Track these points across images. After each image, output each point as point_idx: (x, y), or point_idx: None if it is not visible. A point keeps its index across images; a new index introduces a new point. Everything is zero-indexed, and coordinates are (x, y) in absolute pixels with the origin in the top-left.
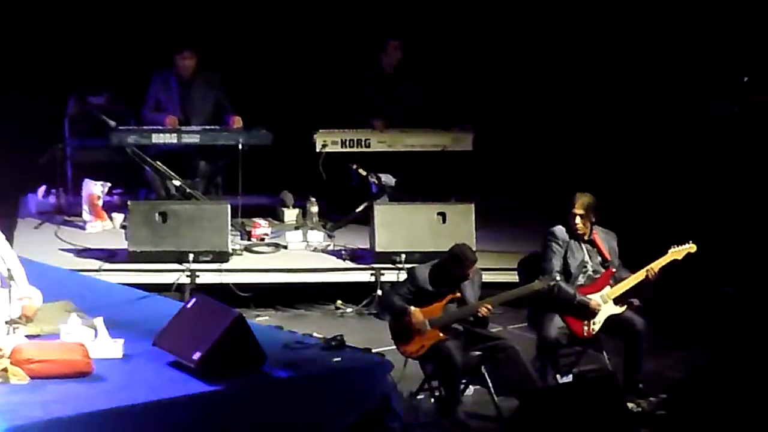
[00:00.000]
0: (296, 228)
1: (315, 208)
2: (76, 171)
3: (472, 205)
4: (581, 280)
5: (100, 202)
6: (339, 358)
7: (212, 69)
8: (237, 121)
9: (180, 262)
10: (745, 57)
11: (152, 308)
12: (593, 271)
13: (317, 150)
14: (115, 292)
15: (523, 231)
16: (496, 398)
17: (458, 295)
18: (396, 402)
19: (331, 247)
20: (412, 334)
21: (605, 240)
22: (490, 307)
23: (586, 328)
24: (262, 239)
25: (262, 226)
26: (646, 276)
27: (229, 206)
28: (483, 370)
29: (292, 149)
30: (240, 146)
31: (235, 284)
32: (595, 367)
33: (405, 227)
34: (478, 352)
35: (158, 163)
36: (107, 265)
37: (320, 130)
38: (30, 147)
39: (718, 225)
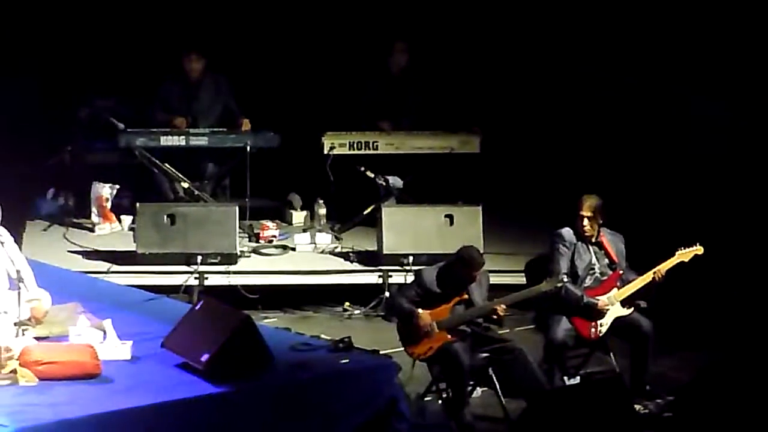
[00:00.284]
0: (304, 230)
1: (323, 210)
2: (85, 173)
3: (480, 208)
4: (588, 282)
5: (109, 204)
6: (346, 360)
7: (220, 72)
8: (245, 124)
9: (188, 264)
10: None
11: (160, 310)
12: (600, 273)
13: (325, 152)
14: (124, 294)
15: (531, 233)
16: (503, 400)
17: (465, 297)
18: (403, 404)
19: (338, 249)
20: (420, 336)
21: (612, 242)
22: (504, 307)
23: (593, 330)
24: (270, 241)
25: (270, 228)
26: (653, 278)
27: (237, 208)
28: (490, 371)
29: (300, 151)
30: (248, 148)
31: (243, 286)
32: (602, 368)
33: (412, 229)
34: (485, 354)
35: (166, 165)
36: (116, 267)
37: (328, 133)
38: (38, 149)
39: (724, 226)
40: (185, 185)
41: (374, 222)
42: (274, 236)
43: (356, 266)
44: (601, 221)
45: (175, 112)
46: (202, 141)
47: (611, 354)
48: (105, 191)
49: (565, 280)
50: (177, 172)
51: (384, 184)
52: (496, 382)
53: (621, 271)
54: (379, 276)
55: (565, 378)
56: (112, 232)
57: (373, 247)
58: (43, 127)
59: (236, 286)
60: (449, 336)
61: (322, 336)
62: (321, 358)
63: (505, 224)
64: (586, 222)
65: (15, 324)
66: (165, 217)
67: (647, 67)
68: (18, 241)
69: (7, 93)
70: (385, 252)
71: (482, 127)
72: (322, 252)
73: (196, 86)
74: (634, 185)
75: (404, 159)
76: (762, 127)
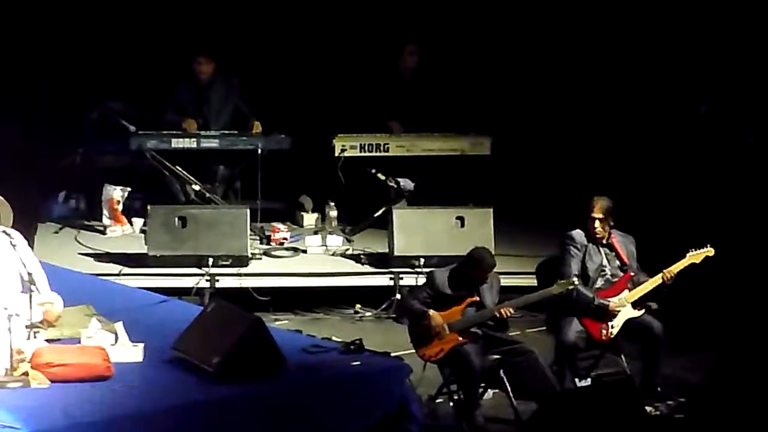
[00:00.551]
0: (315, 232)
1: (334, 213)
2: (96, 175)
3: (491, 210)
4: (599, 283)
5: (120, 207)
6: (358, 362)
7: (230, 74)
8: (256, 126)
9: (199, 267)
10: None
11: (172, 312)
12: (611, 275)
13: (336, 154)
14: (135, 296)
15: (541, 235)
16: (514, 402)
17: (477, 298)
18: (415, 406)
19: (349, 251)
20: (431, 338)
21: (623, 243)
22: (512, 311)
23: (604, 331)
24: (281, 243)
25: (281, 231)
26: (664, 280)
27: (248, 210)
28: (501, 373)
29: (311, 154)
30: (259, 151)
31: (254, 288)
32: (613, 370)
33: (423, 231)
34: (496, 356)
35: (177, 167)
36: (127, 270)
37: (339, 135)
38: (50, 152)
39: (735, 228)
40: (196, 187)
41: (385, 224)
42: (285, 238)
43: (367, 268)
44: (612, 223)
45: (187, 114)
46: (213, 143)
47: (622, 356)
48: (116, 194)
49: (576, 282)
50: (188, 175)
51: (395, 186)
52: (507, 384)
53: (632, 273)
54: (390, 278)
55: (576, 380)
56: (124, 234)
57: (384, 249)
58: (54, 129)
59: (247, 288)
60: (460, 338)
61: (334, 338)
62: (332, 360)
63: (515, 226)
64: (597, 224)
65: (27, 326)
66: (176, 219)
67: (657, 69)
68: (30, 243)
69: (19, 95)
70: (396, 254)
71: (493, 129)
72: (333, 254)
73: (206, 89)
74: (645, 187)
75: (415, 161)
76: None
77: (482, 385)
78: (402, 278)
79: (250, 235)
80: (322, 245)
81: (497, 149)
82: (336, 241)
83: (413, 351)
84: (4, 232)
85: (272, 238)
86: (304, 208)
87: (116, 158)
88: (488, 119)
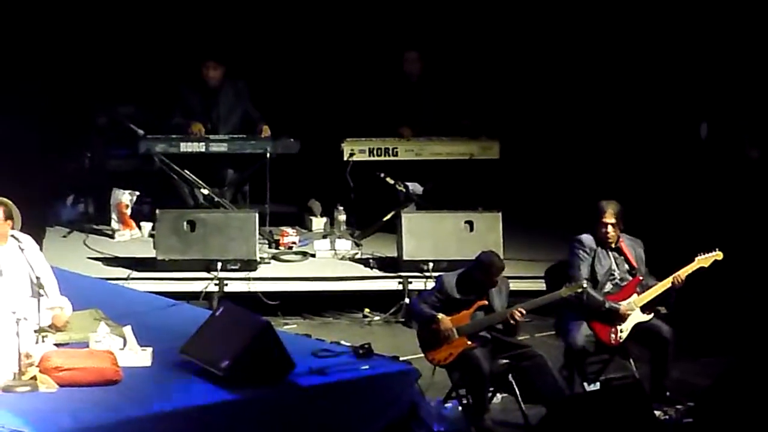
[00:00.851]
0: (324, 236)
1: (342, 217)
2: (105, 179)
3: (500, 214)
4: (608, 287)
5: (129, 211)
6: (367, 366)
7: (239, 78)
8: (265, 130)
9: (208, 271)
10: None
11: (180, 316)
12: (620, 279)
13: (344, 158)
14: (144, 300)
15: (550, 239)
16: (523, 406)
17: (486, 302)
18: (423, 410)
19: (358, 256)
20: (440, 342)
21: (632, 248)
22: (523, 312)
23: (613, 335)
24: (290, 247)
25: (289, 235)
26: (673, 284)
27: (256, 215)
28: (510, 378)
29: (320, 158)
30: (267, 155)
31: (263, 292)
32: (622, 374)
33: (432, 235)
34: (505, 360)
35: (186, 171)
36: (135, 274)
37: (347, 139)
38: (59, 156)
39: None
40: (205, 191)
41: (394, 228)
42: (294, 242)
43: (376, 272)
44: (621, 227)
45: (195, 118)
46: (222, 147)
47: (631, 360)
48: (125, 198)
49: (585, 285)
50: (197, 179)
51: (404, 190)
52: (516, 388)
53: (641, 277)
54: (399, 282)
55: (585, 384)
56: (132, 238)
57: (393, 254)
58: (62, 133)
59: (256, 292)
60: (469, 342)
61: (343, 342)
62: (341, 364)
63: (524, 230)
64: (610, 228)
65: (35, 330)
66: (185, 223)
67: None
68: (39, 247)
69: (27, 99)
70: (404, 258)
71: (502, 133)
72: (342, 258)
73: (215, 93)
74: (653, 191)
75: (424, 165)
76: None
77: (491, 389)
78: (411, 282)
79: (259, 239)
80: (331, 249)
81: (506, 153)
82: (345, 245)
83: (422, 355)
84: (13, 236)
85: (281, 242)
86: (313, 212)
87: (125, 162)
88: (498, 123)
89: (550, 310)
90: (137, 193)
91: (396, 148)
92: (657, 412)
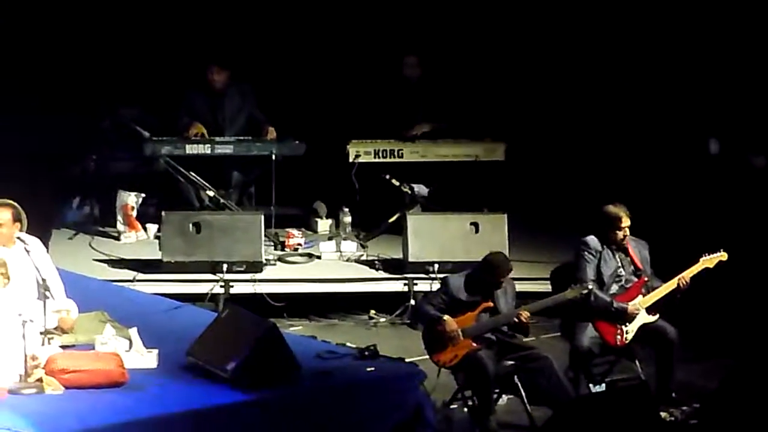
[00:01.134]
0: (329, 238)
1: (348, 218)
2: (110, 181)
3: (505, 215)
4: (614, 289)
5: (134, 213)
6: (372, 368)
7: (245, 80)
8: (270, 132)
9: (214, 272)
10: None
11: (186, 318)
12: (626, 281)
13: (350, 160)
14: (149, 302)
15: (556, 240)
16: (529, 408)
17: (491, 304)
18: (429, 412)
19: (364, 257)
20: (446, 343)
21: (637, 249)
22: (528, 314)
23: (619, 337)
24: (296, 249)
25: (295, 236)
26: (678, 285)
27: (262, 216)
28: (516, 379)
29: (325, 159)
30: (273, 157)
31: (268, 294)
32: (628, 376)
33: (438, 237)
34: (511, 362)
35: (192, 173)
36: (141, 276)
37: (353, 141)
38: (64, 158)
39: (748, 233)
40: (211, 193)
41: (399, 230)
42: (300, 244)
43: (382, 274)
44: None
45: (201, 121)
46: (228, 149)
47: (637, 361)
48: (130, 200)
49: (591, 287)
50: (202, 181)
51: (409, 192)
52: (522, 390)
53: (646, 278)
54: (405, 284)
55: (591, 385)
56: (138, 240)
57: (399, 255)
58: (68, 135)
59: (262, 294)
60: (475, 343)
61: (348, 344)
62: (347, 366)
63: (530, 232)
64: (627, 230)
65: (41, 333)
66: (190, 225)
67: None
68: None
69: (33, 102)
70: (410, 260)
71: (507, 134)
72: (348, 260)
73: (220, 96)
74: (658, 192)
75: (429, 167)
76: None
77: (497, 390)
78: (416, 284)
79: (265, 241)
80: (337, 251)
81: (511, 155)
82: (350, 247)
83: (428, 357)
84: (19, 238)
85: (286, 243)
86: (319, 214)
87: (130, 164)
88: (504, 125)
89: (555, 311)
90: (143, 195)
91: (401, 149)
92: (663, 414)
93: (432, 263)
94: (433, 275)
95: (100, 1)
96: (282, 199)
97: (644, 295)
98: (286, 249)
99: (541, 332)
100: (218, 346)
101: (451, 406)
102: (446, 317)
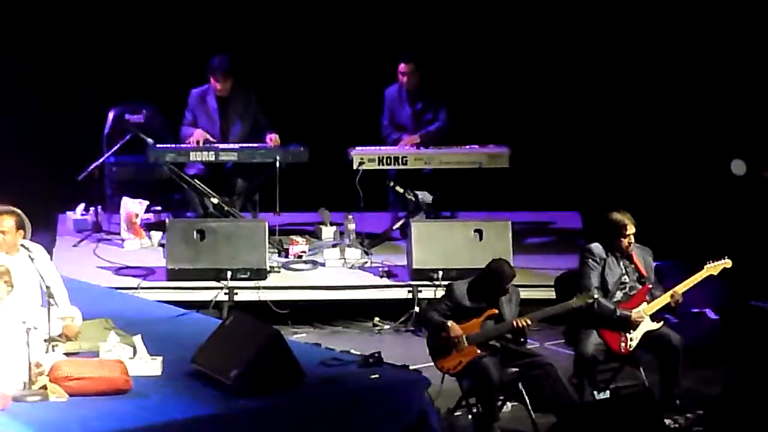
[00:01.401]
0: (333, 245)
1: (352, 225)
2: (114, 189)
3: (509, 222)
4: (618, 296)
5: (138, 220)
6: (376, 375)
7: (248, 85)
8: (274, 139)
9: (218, 280)
10: None
11: (190, 325)
12: (630, 288)
13: (354, 167)
14: (154, 309)
15: (560, 248)
16: (533, 415)
17: (496, 311)
18: (433, 418)
19: (368, 264)
20: (450, 350)
21: (641, 256)
22: (528, 321)
23: (623, 344)
24: (300, 256)
25: (299, 244)
26: (672, 302)
27: (266, 223)
28: (520, 386)
29: (329, 166)
30: (277, 163)
31: (272, 301)
32: (632, 383)
33: (442, 244)
34: (515, 369)
35: (196, 180)
36: (145, 283)
37: (357, 148)
38: (68, 165)
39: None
40: (215, 200)
41: (404, 237)
42: (304, 251)
43: (386, 281)
44: None
45: (204, 128)
46: (232, 156)
47: (641, 368)
48: (135, 207)
49: (596, 295)
50: (206, 188)
51: (413, 199)
52: (526, 397)
53: (650, 285)
54: (409, 291)
55: (595, 392)
56: (142, 247)
57: (403, 262)
58: (72, 142)
59: (266, 301)
60: (479, 350)
61: (352, 351)
62: (351, 373)
63: (534, 239)
64: (632, 238)
65: (45, 340)
66: (195, 232)
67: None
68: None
69: (37, 109)
70: (414, 267)
71: (512, 141)
72: (352, 267)
73: (225, 101)
74: (662, 199)
75: (433, 174)
76: None
77: (501, 397)
78: (421, 291)
79: (269, 248)
80: (341, 258)
81: (516, 162)
82: (354, 253)
83: (432, 364)
84: (23, 245)
85: (290, 251)
86: (323, 221)
87: (135, 171)
88: (508, 131)
89: (560, 319)
90: (147, 202)
91: (405, 157)
92: (667, 421)
93: (436, 270)
94: (437, 282)
95: (102, 3)
96: (286, 206)
97: (648, 303)
98: (290, 256)
99: (545, 339)
100: (222, 354)
101: (456, 413)
102: (450, 323)
